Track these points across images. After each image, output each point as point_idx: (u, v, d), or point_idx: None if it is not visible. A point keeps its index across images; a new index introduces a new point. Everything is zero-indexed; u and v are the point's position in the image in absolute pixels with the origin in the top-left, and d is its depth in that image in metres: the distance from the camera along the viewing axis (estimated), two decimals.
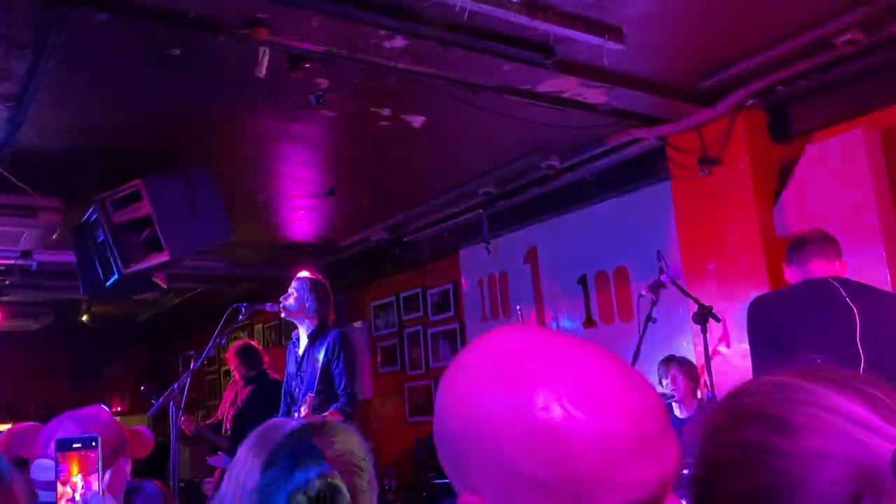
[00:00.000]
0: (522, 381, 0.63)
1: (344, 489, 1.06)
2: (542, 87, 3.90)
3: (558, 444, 0.59)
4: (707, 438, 0.71)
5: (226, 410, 5.62)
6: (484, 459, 0.62)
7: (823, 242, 2.82)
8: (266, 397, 5.01)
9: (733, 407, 0.71)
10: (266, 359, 5.71)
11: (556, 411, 0.60)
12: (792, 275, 2.88)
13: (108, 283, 4.79)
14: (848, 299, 2.55)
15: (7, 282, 6.60)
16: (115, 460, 1.72)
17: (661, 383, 4.25)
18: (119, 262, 4.57)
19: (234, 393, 5.65)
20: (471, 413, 0.64)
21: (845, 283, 2.68)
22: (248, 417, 5.04)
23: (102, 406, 1.83)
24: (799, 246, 2.84)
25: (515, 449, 0.60)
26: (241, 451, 1.25)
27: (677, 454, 0.62)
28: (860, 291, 2.62)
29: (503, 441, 0.61)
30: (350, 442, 1.19)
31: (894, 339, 2.51)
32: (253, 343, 5.77)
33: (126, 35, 3.21)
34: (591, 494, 0.58)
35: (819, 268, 2.75)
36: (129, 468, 1.80)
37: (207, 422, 5.89)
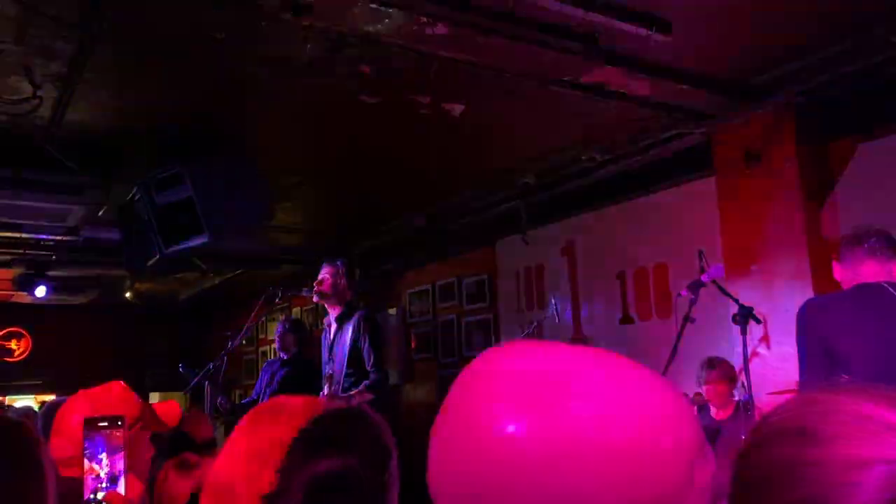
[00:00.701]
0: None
1: (360, 478, 1.05)
2: (586, 78, 3.83)
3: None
4: (739, 459, 0.68)
5: (262, 390, 5.69)
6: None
7: (879, 242, 2.70)
8: (302, 378, 5.05)
9: (764, 426, 0.68)
10: (310, 342, 5.76)
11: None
12: (842, 274, 2.77)
13: (149, 262, 4.89)
14: None
15: (54, 257, 6.77)
16: (132, 433, 1.76)
17: (700, 385, 4.18)
18: (161, 242, 4.66)
19: (270, 374, 5.72)
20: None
21: (894, 285, 2.58)
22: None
23: (120, 382, 1.85)
24: (852, 244, 2.72)
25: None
26: None
27: None
28: None
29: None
30: (376, 429, 1.18)
31: None
32: (300, 320, 5.81)
33: (171, 17, 3.25)
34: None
35: (872, 270, 2.64)
36: (147, 440, 1.82)
37: (243, 401, 5.96)
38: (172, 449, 2.76)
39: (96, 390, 1.80)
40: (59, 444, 1.64)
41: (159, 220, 4.60)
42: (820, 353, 2.54)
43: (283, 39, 3.40)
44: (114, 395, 1.78)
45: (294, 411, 1.12)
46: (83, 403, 1.72)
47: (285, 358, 5.58)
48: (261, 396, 5.59)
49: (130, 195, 4.82)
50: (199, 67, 3.71)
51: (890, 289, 2.56)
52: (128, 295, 9.19)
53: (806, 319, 2.67)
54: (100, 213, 5.41)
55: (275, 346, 5.88)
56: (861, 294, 2.59)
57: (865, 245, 2.67)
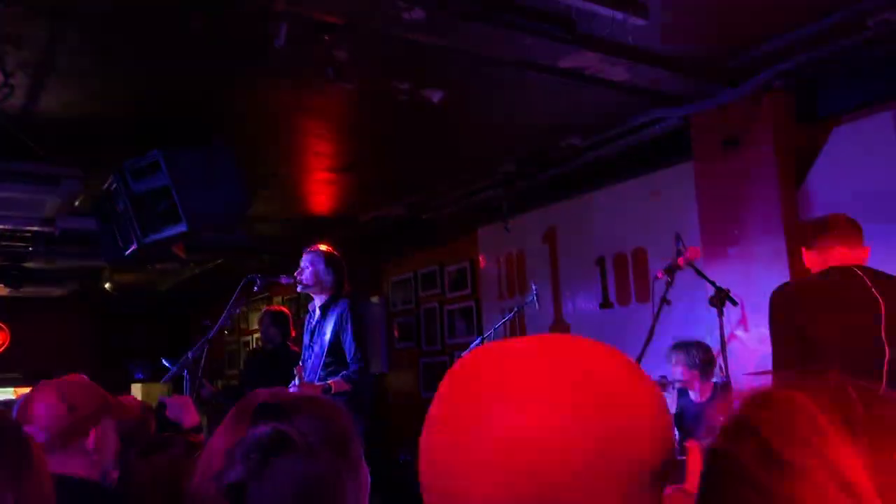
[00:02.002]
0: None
1: (302, 448, 1.06)
2: (564, 63, 3.83)
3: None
4: (706, 457, 0.68)
5: (248, 381, 5.68)
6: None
7: (847, 228, 2.74)
8: (286, 370, 5.04)
9: (726, 425, 0.68)
10: (293, 332, 5.74)
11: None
12: (812, 260, 2.80)
13: (127, 252, 4.84)
14: (874, 290, 2.49)
15: (30, 248, 6.69)
16: (99, 422, 1.76)
17: (671, 370, 4.21)
18: (139, 231, 4.61)
19: (253, 363, 5.71)
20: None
21: (871, 273, 2.61)
22: (267, 388, 5.07)
23: (81, 375, 1.87)
24: (820, 230, 2.75)
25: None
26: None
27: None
28: (886, 283, 2.55)
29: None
30: (332, 412, 1.18)
31: None
32: (286, 311, 5.79)
33: (146, 4, 3.20)
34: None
35: (841, 255, 2.67)
36: (114, 428, 1.83)
37: (226, 389, 5.94)
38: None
39: (61, 380, 1.81)
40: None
41: (136, 209, 4.55)
42: (793, 338, 2.56)
43: (259, 25, 3.37)
44: (77, 385, 1.80)
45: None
46: (49, 393, 1.73)
47: (269, 349, 5.57)
48: (244, 386, 5.58)
49: (107, 184, 4.76)
50: (174, 54, 3.67)
51: (860, 272, 2.59)
52: (107, 286, 9.11)
53: (778, 304, 2.68)
54: (76, 203, 5.35)
55: (258, 336, 5.86)
56: (832, 278, 2.61)
57: (834, 231, 2.70)
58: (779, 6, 3.49)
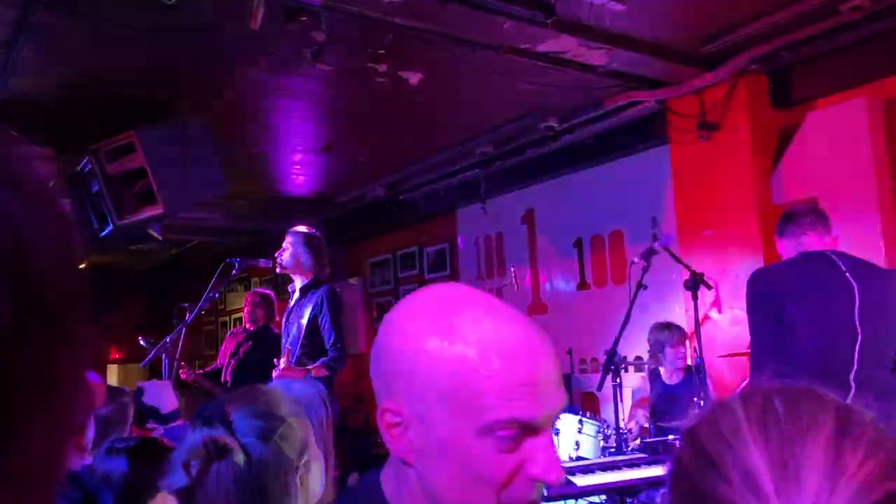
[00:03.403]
0: (451, 324, 0.81)
1: (238, 451, 1.10)
2: (542, 47, 3.84)
3: (466, 373, 0.78)
4: (689, 430, 0.72)
5: (226, 361, 5.66)
6: (408, 375, 0.81)
7: (816, 216, 2.81)
8: (267, 351, 5.04)
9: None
10: (277, 317, 5.73)
11: (471, 351, 0.79)
12: (784, 248, 2.86)
13: (102, 234, 4.80)
14: (848, 274, 2.54)
15: None
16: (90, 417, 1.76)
17: (659, 350, 4.25)
18: (113, 213, 4.56)
19: (235, 344, 5.69)
20: (407, 343, 0.83)
21: (843, 257, 2.67)
22: (248, 370, 5.08)
23: None
24: (791, 219, 2.81)
25: (431, 368, 0.80)
26: None
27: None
28: (859, 267, 2.61)
29: (424, 361, 0.80)
30: (273, 407, 1.22)
31: (890, 317, 2.51)
32: (271, 295, 5.78)
33: None
34: (483, 408, 0.77)
35: (813, 241, 2.73)
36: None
37: (206, 369, 5.93)
38: (139, 420, 2.75)
39: None
40: None
41: (111, 190, 4.50)
42: (770, 321, 2.62)
43: (235, 5, 3.33)
44: None
45: None
46: None
47: (251, 330, 5.56)
48: (225, 367, 5.57)
49: (81, 165, 4.70)
50: (151, 33, 3.61)
51: (834, 257, 2.65)
52: (81, 267, 9.01)
53: (755, 288, 2.74)
54: (49, 185, 5.27)
55: (242, 315, 5.84)
56: (807, 262, 2.67)
57: (805, 220, 2.77)
58: None
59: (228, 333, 6.01)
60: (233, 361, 5.49)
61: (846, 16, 3.60)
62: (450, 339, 0.80)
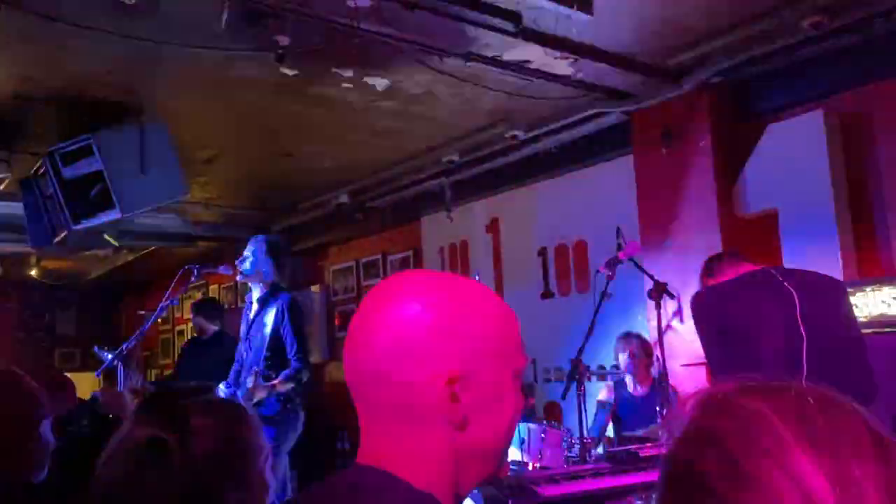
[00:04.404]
0: (478, 290, 0.95)
1: (175, 451, 1.07)
2: (509, 56, 3.84)
3: (508, 328, 0.94)
4: (665, 461, 0.69)
5: (181, 370, 5.55)
6: (461, 338, 0.89)
7: (740, 255, 2.89)
8: (221, 358, 4.94)
9: (706, 412, 0.68)
10: (226, 318, 5.63)
11: (503, 310, 0.95)
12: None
13: (57, 239, 4.67)
14: (785, 283, 2.60)
15: None
16: (35, 429, 1.68)
17: (617, 358, 4.28)
18: (69, 217, 4.44)
19: (189, 353, 5.58)
20: (448, 311, 0.90)
21: (781, 270, 2.75)
22: (201, 378, 4.98)
23: (13, 370, 1.76)
24: (722, 259, 2.88)
25: (484, 326, 0.91)
26: None
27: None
28: (794, 275, 2.67)
29: (477, 322, 0.90)
30: (227, 410, 1.18)
31: (829, 318, 2.56)
32: (215, 299, 5.66)
33: None
34: (515, 356, 0.93)
35: (748, 267, 2.79)
36: (49, 428, 1.75)
37: (162, 378, 5.80)
38: (94, 432, 2.65)
39: None
40: None
41: (67, 194, 4.38)
42: (718, 335, 2.65)
43: (198, 7, 3.27)
44: (9, 391, 1.69)
45: None
46: None
47: (204, 338, 5.45)
48: (180, 376, 5.45)
49: (35, 168, 4.57)
50: (109, 34, 3.52)
51: (772, 271, 2.70)
52: (34, 272, 8.77)
53: (699, 306, 2.77)
54: (1, 187, 5.11)
55: (191, 325, 5.73)
56: (750, 280, 2.71)
57: (733, 257, 2.84)
58: (719, 6, 3.57)
59: (184, 343, 5.90)
60: (186, 370, 5.39)
61: (806, 31, 3.68)
62: (486, 302, 0.93)
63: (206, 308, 5.48)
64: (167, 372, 9.36)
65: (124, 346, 3.47)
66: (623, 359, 4.17)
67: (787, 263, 3.86)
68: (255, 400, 3.58)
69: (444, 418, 0.87)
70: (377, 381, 0.89)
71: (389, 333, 0.88)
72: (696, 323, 2.77)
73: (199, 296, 8.27)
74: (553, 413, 5.08)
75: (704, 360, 3.65)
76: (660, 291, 3.47)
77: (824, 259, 3.78)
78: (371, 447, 0.90)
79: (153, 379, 8.61)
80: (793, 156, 4.02)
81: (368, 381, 0.90)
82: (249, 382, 3.56)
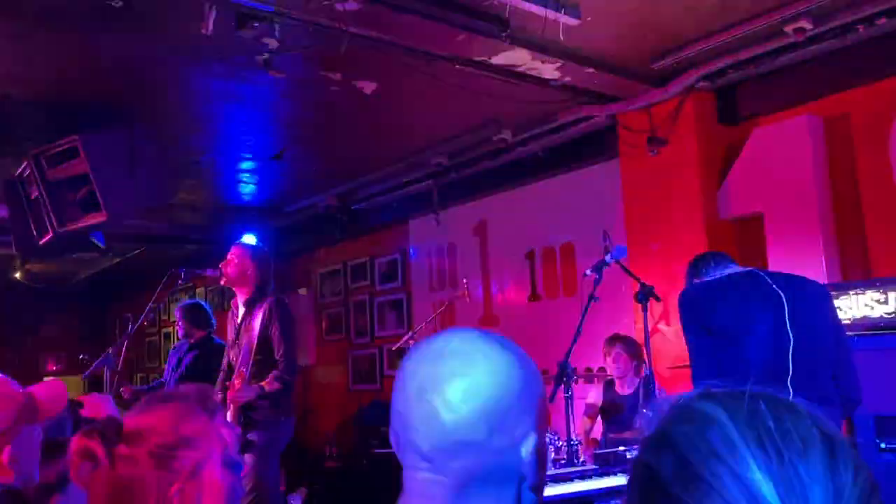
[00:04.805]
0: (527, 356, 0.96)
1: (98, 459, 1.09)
2: (496, 60, 3.86)
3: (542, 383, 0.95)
4: (648, 435, 0.71)
5: (169, 375, 5.51)
6: (527, 402, 0.90)
7: (727, 256, 2.90)
8: (209, 363, 4.91)
9: (667, 417, 0.70)
10: (214, 321, 5.59)
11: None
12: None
13: (41, 242, 4.63)
14: (774, 285, 2.62)
15: None
16: (18, 431, 1.65)
17: (605, 360, 4.29)
18: (54, 220, 4.41)
19: (177, 358, 5.54)
20: (509, 380, 0.90)
21: (767, 272, 2.77)
22: (191, 383, 4.94)
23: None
24: (708, 260, 2.89)
25: (533, 390, 0.92)
26: None
27: None
28: (782, 278, 2.70)
29: (531, 387, 0.91)
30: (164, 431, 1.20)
31: (815, 320, 2.59)
32: (201, 303, 5.62)
33: None
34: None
35: (735, 268, 2.81)
36: (38, 433, 1.72)
37: (151, 384, 5.76)
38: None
39: None
40: None
41: (52, 196, 4.35)
42: (705, 335, 2.66)
43: (186, 10, 3.26)
44: None
45: None
46: None
47: (192, 342, 5.41)
48: (167, 381, 5.41)
49: (20, 170, 4.53)
50: (96, 36, 3.51)
51: (759, 273, 2.72)
52: (17, 276, 8.70)
53: (686, 304, 2.78)
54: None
55: (177, 329, 5.69)
56: (734, 277, 2.73)
57: (720, 257, 2.85)
58: (704, 11, 3.60)
59: (172, 348, 5.86)
60: (175, 375, 5.35)
61: (790, 37, 3.71)
62: (532, 362, 0.94)
63: (192, 312, 5.44)
64: (153, 376, 9.31)
65: (110, 350, 3.45)
66: (611, 361, 4.19)
67: (772, 266, 3.89)
68: (242, 402, 3.56)
69: (520, 477, 0.89)
70: (463, 450, 0.86)
71: (479, 402, 0.86)
72: (682, 321, 2.79)
73: (186, 298, 8.22)
74: None
75: (688, 364, 3.68)
76: (646, 294, 3.49)
77: (809, 262, 3.82)
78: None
79: (139, 383, 8.55)
80: (777, 159, 4.06)
81: (448, 448, 0.87)
82: (236, 384, 3.54)
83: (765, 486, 0.60)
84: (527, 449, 0.88)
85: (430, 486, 0.87)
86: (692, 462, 0.64)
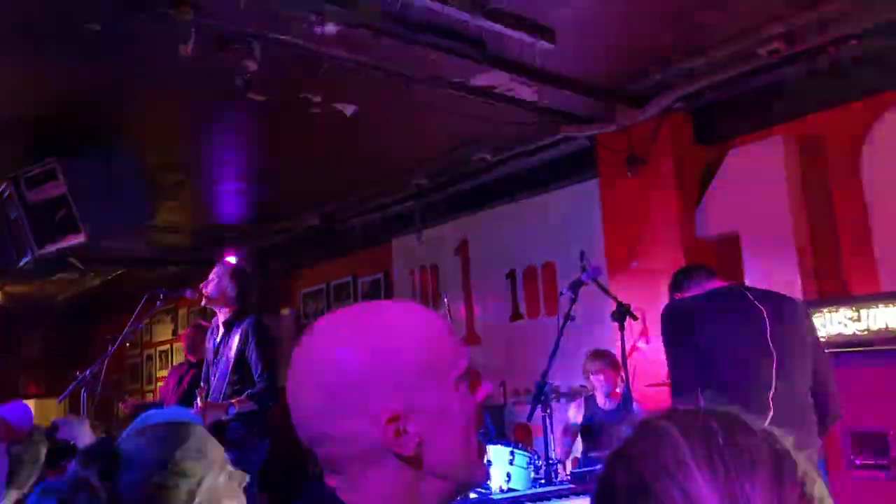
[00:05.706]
0: (393, 320, 0.92)
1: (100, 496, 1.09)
2: (475, 82, 3.90)
3: (432, 346, 0.90)
4: (615, 451, 0.72)
5: (169, 394, 5.50)
6: (391, 374, 0.87)
7: (710, 269, 2.93)
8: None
9: (634, 433, 0.71)
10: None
11: (422, 330, 0.91)
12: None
13: (21, 263, 4.61)
14: (756, 302, 2.64)
15: None
16: None
17: (587, 378, 4.31)
18: (33, 241, 4.39)
19: (178, 376, 5.54)
20: (373, 349, 0.88)
21: (749, 288, 2.79)
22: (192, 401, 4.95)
23: None
24: (690, 274, 2.91)
25: (407, 357, 0.88)
26: None
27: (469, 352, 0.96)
28: (762, 294, 2.73)
29: (401, 355, 0.88)
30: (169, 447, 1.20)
31: (795, 337, 2.62)
32: (205, 325, 5.63)
33: (41, 6, 3.07)
34: (450, 366, 0.91)
35: (716, 284, 2.83)
36: (3, 451, 1.72)
37: (148, 403, 5.74)
38: (52, 460, 2.60)
39: None
40: None
41: (31, 218, 4.33)
42: (687, 350, 2.67)
43: (165, 33, 3.27)
44: None
45: None
46: None
47: (194, 361, 5.40)
48: (168, 401, 5.39)
49: None
50: (74, 58, 3.52)
51: (741, 289, 2.74)
52: None
53: (669, 319, 2.80)
54: None
55: (172, 347, 5.68)
56: (717, 293, 2.76)
57: (702, 271, 2.88)
58: (680, 34, 3.66)
59: (171, 369, 5.84)
60: (177, 394, 5.35)
61: (764, 58, 3.78)
62: (405, 329, 0.90)
63: (201, 336, 5.44)
64: (137, 397, 9.23)
65: (88, 372, 3.43)
66: (596, 376, 4.20)
67: (749, 284, 3.93)
68: (208, 421, 3.53)
69: (395, 454, 0.86)
70: (321, 441, 0.89)
71: (321, 392, 0.87)
72: (663, 335, 2.80)
73: (167, 319, 8.18)
74: (523, 435, 5.09)
75: (667, 381, 3.70)
76: (622, 313, 3.51)
77: (785, 281, 3.85)
78: (331, 483, 0.91)
79: (118, 408, 8.46)
80: (752, 179, 4.11)
81: (314, 442, 0.90)
82: (198, 404, 3.52)
83: (709, 502, 0.61)
84: (389, 425, 0.85)
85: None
86: (644, 477, 0.65)
